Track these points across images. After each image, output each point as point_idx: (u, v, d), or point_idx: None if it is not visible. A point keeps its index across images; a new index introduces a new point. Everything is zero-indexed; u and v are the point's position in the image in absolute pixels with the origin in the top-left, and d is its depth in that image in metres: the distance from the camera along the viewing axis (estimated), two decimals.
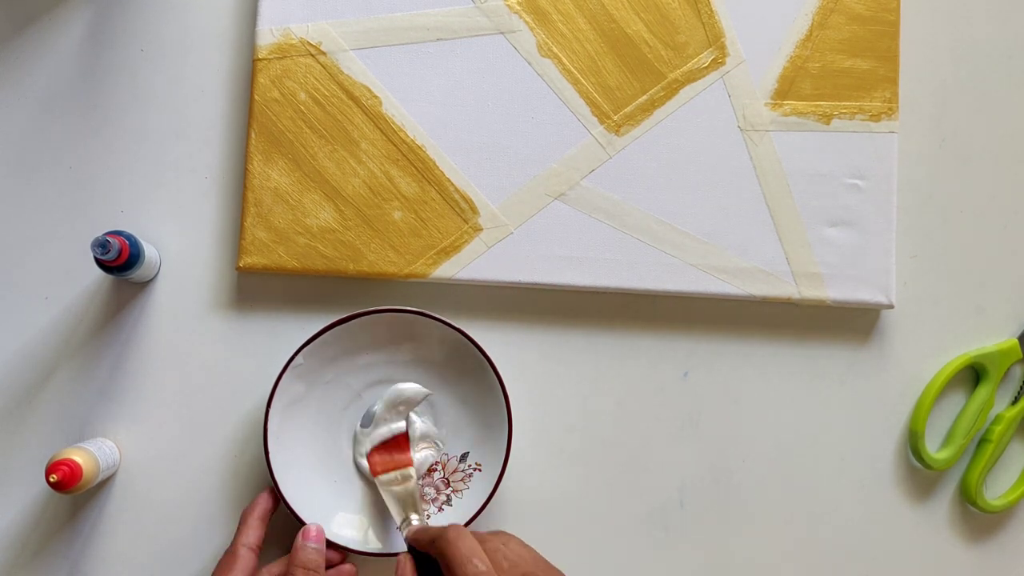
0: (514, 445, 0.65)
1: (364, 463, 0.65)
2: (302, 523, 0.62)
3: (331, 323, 0.63)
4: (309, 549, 0.60)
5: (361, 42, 0.67)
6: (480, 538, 0.53)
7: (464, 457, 0.65)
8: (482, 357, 0.63)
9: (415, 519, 0.61)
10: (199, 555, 0.66)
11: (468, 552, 0.50)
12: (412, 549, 0.57)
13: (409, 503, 0.62)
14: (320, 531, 0.61)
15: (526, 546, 0.53)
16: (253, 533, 0.60)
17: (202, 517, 0.66)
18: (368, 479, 0.65)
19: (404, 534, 0.59)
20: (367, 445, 0.65)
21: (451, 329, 0.63)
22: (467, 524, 0.63)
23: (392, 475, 0.64)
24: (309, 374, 0.64)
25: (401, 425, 0.65)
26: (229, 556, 0.59)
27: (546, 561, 0.53)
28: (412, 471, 0.64)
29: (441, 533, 0.52)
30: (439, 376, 0.66)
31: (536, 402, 0.67)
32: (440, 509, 0.65)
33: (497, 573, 0.50)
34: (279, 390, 0.62)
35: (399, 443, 0.65)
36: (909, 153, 0.71)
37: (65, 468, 0.58)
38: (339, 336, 0.63)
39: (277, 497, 0.62)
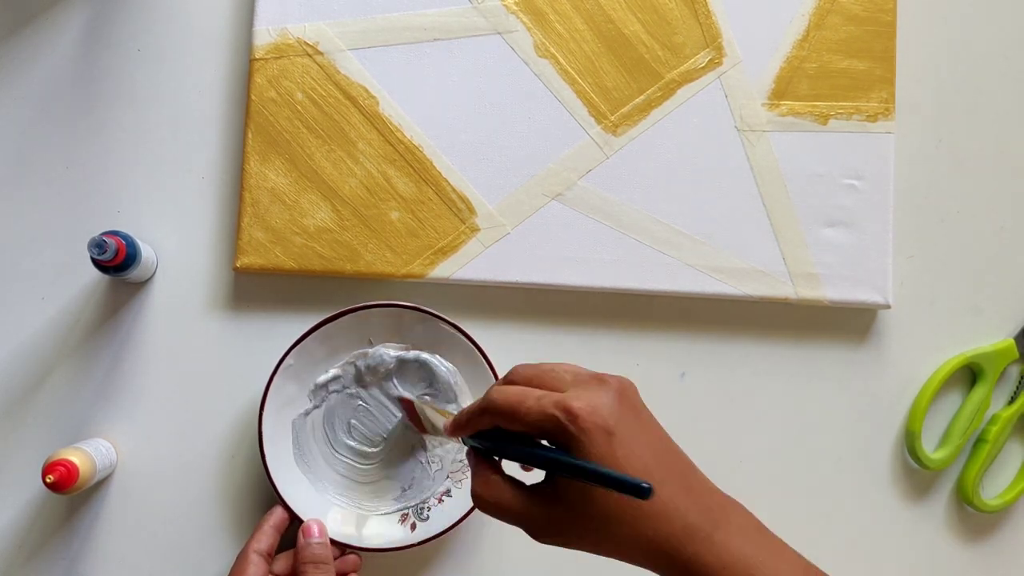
0: None
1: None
2: (300, 521, 0.62)
3: (319, 322, 0.63)
4: (314, 544, 0.61)
5: (358, 42, 0.67)
6: (521, 375, 0.47)
7: None
8: (473, 347, 0.64)
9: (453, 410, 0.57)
10: (195, 554, 0.66)
11: (520, 392, 0.44)
12: (472, 441, 0.50)
13: (437, 416, 0.58)
14: (321, 525, 0.62)
15: (575, 365, 0.47)
16: (266, 540, 0.61)
17: (199, 517, 0.66)
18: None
19: (448, 431, 0.52)
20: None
21: (437, 320, 0.63)
22: (468, 514, 0.63)
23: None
24: (301, 375, 0.64)
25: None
26: (241, 560, 0.60)
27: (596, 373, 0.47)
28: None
29: (485, 401, 0.46)
30: (430, 370, 0.66)
31: None
32: (440, 500, 0.65)
33: (561, 389, 0.44)
34: (271, 392, 0.62)
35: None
36: (906, 154, 0.71)
37: (62, 468, 0.57)
38: (329, 335, 0.64)
39: (292, 515, 0.63)
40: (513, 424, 0.45)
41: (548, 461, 0.44)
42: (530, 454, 0.45)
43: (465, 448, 0.51)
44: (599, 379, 0.45)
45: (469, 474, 0.49)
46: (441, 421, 0.56)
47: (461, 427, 0.49)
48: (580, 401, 0.43)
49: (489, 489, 0.46)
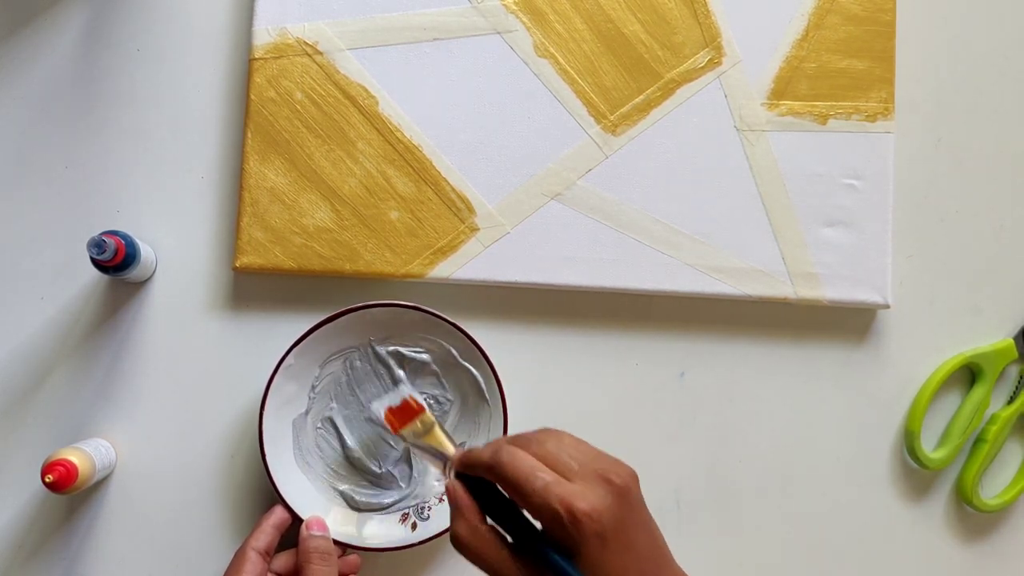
0: None
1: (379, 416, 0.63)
2: (300, 520, 0.62)
3: (319, 322, 0.63)
4: (317, 537, 0.61)
5: (357, 42, 0.67)
6: (534, 441, 0.48)
7: (461, 447, 0.65)
8: (473, 347, 0.64)
9: (454, 452, 0.57)
10: (195, 554, 0.66)
11: (529, 468, 0.46)
12: (461, 476, 0.51)
13: (442, 445, 0.58)
14: (321, 521, 0.62)
15: (580, 440, 0.49)
16: (265, 538, 0.61)
17: (198, 517, 0.66)
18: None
19: (449, 468, 0.54)
20: (379, 411, 0.64)
21: (440, 320, 0.63)
22: None
23: (413, 424, 0.60)
24: (301, 374, 0.64)
25: (401, 391, 0.64)
26: (238, 558, 0.60)
27: (603, 452, 0.49)
28: (429, 415, 0.60)
29: (495, 459, 0.47)
30: (431, 369, 0.66)
31: (532, 402, 0.67)
32: (440, 499, 0.65)
33: (568, 476, 0.46)
34: (271, 391, 0.62)
35: (406, 405, 0.62)
36: (905, 153, 0.71)
37: (61, 468, 0.57)
38: (329, 335, 0.64)
39: (292, 515, 0.62)
40: (514, 496, 0.46)
41: (536, 551, 0.46)
42: (522, 534, 0.47)
43: (443, 481, 0.52)
44: (604, 478, 0.46)
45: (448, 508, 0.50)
46: (435, 453, 0.56)
47: (465, 465, 0.50)
48: (584, 502, 0.44)
49: (475, 538, 0.47)
